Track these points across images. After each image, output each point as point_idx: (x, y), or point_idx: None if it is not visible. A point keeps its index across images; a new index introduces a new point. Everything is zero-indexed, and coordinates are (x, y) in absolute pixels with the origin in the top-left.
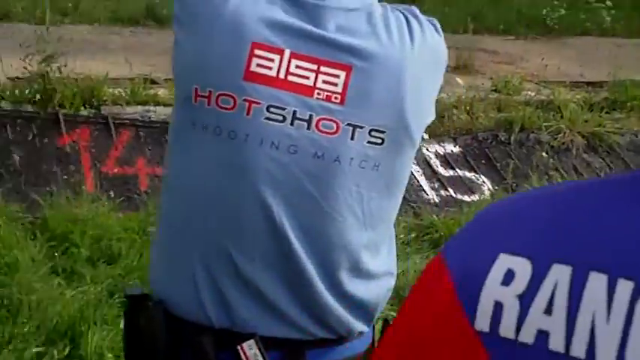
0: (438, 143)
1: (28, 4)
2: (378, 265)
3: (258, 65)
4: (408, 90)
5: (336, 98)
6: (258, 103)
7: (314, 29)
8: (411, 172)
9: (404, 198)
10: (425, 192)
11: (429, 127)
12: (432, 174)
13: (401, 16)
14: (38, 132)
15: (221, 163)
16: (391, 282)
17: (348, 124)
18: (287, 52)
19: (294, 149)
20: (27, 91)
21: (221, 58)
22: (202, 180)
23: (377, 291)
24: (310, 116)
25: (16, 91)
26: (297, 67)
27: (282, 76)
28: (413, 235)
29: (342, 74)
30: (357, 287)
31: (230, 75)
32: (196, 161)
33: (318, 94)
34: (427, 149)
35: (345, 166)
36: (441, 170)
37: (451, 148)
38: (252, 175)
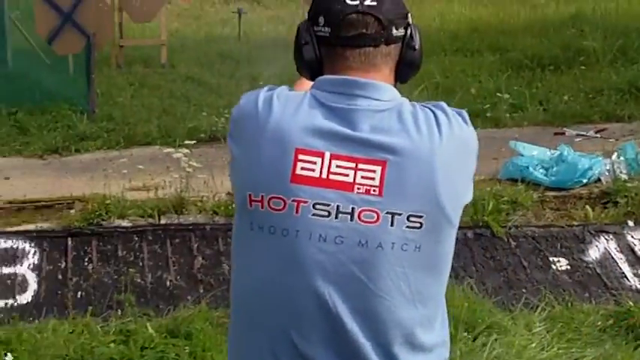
0: None
1: None
2: (431, 338)
3: (303, 168)
4: (440, 177)
5: (374, 191)
6: (305, 202)
7: (350, 131)
8: (614, 260)
9: (604, 286)
10: (627, 279)
11: (633, 213)
12: (635, 261)
13: (429, 112)
14: None
15: (276, 257)
16: (445, 353)
17: (387, 213)
18: (327, 155)
19: (340, 240)
20: None
21: (269, 165)
22: (261, 274)
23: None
24: (352, 209)
25: (230, 207)
26: (337, 166)
27: (324, 176)
28: (610, 322)
29: (378, 169)
30: None
31: (279, 180)
32: (255, 258)
33: (358, 188)
34: (632, 236)
35: (387, 251)
36: None
37: None
38: (304, 266)
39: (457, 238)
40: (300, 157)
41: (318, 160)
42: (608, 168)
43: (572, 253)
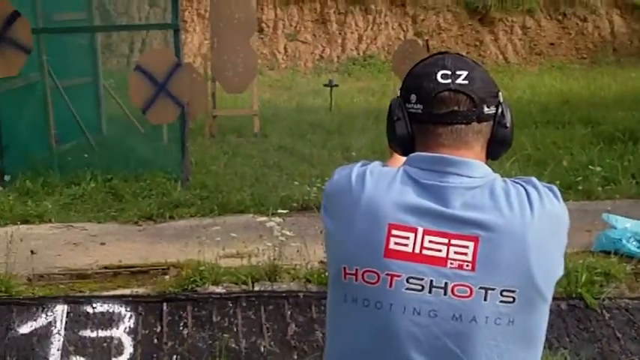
0: None
1: None
2: None
3: (396, 243)
4: (531, 253)
5: (467, 266)
6: (399, 276)
7: (442, 208)
8: None
9: None
10: None
11: None
12: None
13: (521, 188)
14: None
15: (370, 329)
16: None
17: (481, 288)
18: (420, 230)
19: (434, 313)
20: None
21: (363, 240)
22: (355, 345)
23: None
24: (446, 284)
25: (322, 274)
26: (430, 241)
27: (417, 251)
28: None
29: (471, 245)
30: None
31: (373, 254)
32: (349, 329)
33: (451, 263)
34: None
35: (481, 325)
36: None
37: None
38: (398, 338)
39: (551, 310)
40: (394, 232)
41: (411, 235)
42: None
43: None
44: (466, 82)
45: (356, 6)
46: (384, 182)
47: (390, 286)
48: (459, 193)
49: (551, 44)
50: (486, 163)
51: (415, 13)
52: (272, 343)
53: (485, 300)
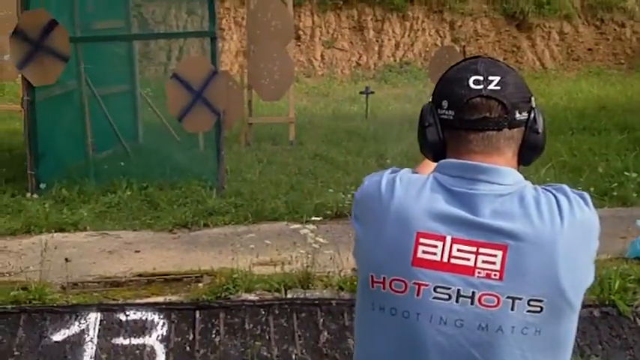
0: None
1: None
2: None
3: (424, 252)
4: (561, 263)
5: (495, 275)
6: (427, 285)
7: (471, 216)
8: None
9: None
10: None
11: None
12: None
13: (551, 196)
14: None
15: (397, 338)
16: None
17: (508, 297)
18: (448, 239)
19: (460, 323)
20: None
21: (391, 248)
22: (382, 353)
23: None
24: (473, 293)
25: (355, 282)
26: (459, 250)
27: (445, 259)
28: None
29: (499, 254)
30: None
31: (400, 262)
32: (376, 337)
33: (479, 272)
34: None
35: (507, 334)
36: None
37: None
38: (424, 347)
39: (583, 317)
40: (422, 240)
41: (440, 244)
42: None
43: None
44: (498, 87)
45: (393, 13)
46: (414, 190)
47: (418, 295)
48: (488, 201)
49: (589, 50)
50: (518, 169)
51: (452, 19)
52: (304, 350)
53: (512, 310)
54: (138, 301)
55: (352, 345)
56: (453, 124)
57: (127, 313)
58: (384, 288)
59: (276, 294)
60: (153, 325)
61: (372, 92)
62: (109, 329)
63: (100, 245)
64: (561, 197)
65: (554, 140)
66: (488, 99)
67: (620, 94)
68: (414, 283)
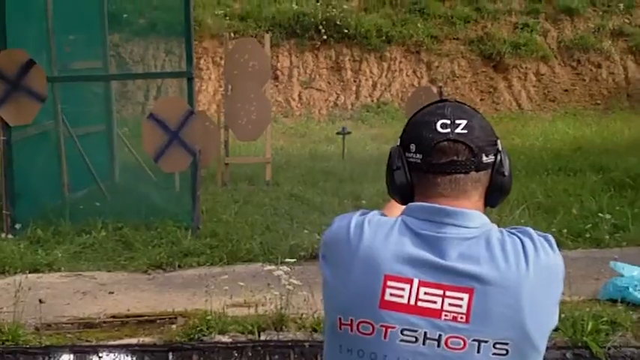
0: None
1: None
2: None
3: (391, 294)
4: (526, 306)
5: (461, 318)
6: (394, 328)
7: (438, 259)
8: None
9: None
10: None
11: None
12: None
13: (517, 239)
14: None
15: None
16: None
17: (474, 340)
18: (415, 281)
19: None
20: None
21: (359, 290)
22: None
23: None
24: (440, 335)
25: None
26: (426, 293)
27: (412, 302)
28: None
29: (466, 297)
30: None
31: (368, 305)
32: None
33: (446, 315)
34: None
35: None
36: None
37: None
38: None
39: (556, 359)
40: (389, 283)
41: (407, 286)
42: None
43: None
44: (465, 131)
45: (371, 53)
46: (382, 232)
47: (385, 337)
48: (455, 244)
49: (565, 91)
50: (484, 211)
51: (430, 60)
52: None
53: (478, 352)
54: (111, 342)
55: None
56: (420, 168)
57: (100, 354)
58: (351, 330)
59: (250, 336)
60: None
61: (349, 132)
62: None
63: (74, 286)
64: (526, 240)
65: (530, 181)
66: (455, 142)
67: (595, 134)
68: (381, 326)
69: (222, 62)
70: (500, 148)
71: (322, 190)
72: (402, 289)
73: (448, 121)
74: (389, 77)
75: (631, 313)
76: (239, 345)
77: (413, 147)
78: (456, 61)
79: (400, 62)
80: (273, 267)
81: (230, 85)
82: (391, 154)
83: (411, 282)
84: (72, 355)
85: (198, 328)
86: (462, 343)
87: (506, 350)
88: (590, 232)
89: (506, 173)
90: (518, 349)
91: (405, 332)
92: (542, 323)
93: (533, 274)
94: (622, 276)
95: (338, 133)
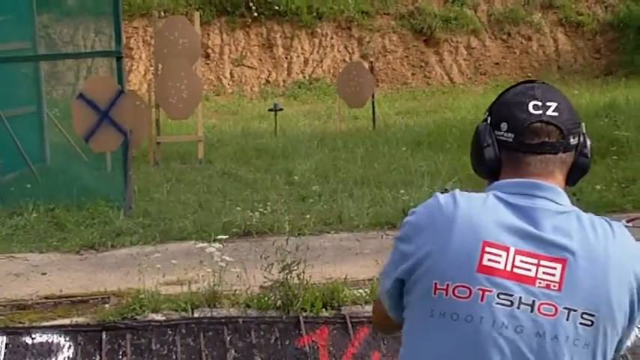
0: None
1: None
2: None
3: (489, 260)
4: (612, 279)
5: (554, 286)
6: (490, 291)
7: (533, 230)
8: None
9: None
10: None
11: None
12: None
13: (604, 220)
14: (280, 335)
15: (458, 341)
16: None
17: (565, 308)
18: (512, 249)
19: (520, 329)
20: (270, 298)
21: (457, 255)
22: (441, 356)
23: None
24: (533, 301)
25: (262, 300)
26: (521, 261)
27: (508, 268)
28: None
29: (559, 267)
30: None
31: (466, 269)
32: (434, 342)
33: (539, 283)
34: None
35: (562, 343)
36: None
37: None
38: (485, 348)
39: None
40: (487, 249)
41: (504, 253)
42: None
43: None
44: (556, 113)
45: (302, 30)
46: (476, 202)
47: (482, 300)
48: (549, 216)
49: (496, 64)
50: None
51: (361, 36)
52: None
53: (567, 320)
54: (44, 323)
55: None
56: (512, 146)
57: (33, 336)
58: (446, 295)
59: (183, 313)
60: (59, 348)
61: (281, 109)
62: (14, 352)
63: (7, 268)
64: (613, 223)
65: (462, 153)
66: (547, 124)
67: None
68: (479, 289)
69: (153, 41)
70: (583, 131)
71: (255, 167)
72: (499, 256)
73: (540, 103)
74: (320, 53)
75: None
76: (172, 323)
77: (504, 126)
78: (387, 36)
79: (331, 38)
80: (205, 244)
81: (160, 64)
82: (479, 132)
83: (507, 249)
84: (4, 337)
85: (132, 307)
86: (554, 310)
87: (592, 322)
88: None
89: (589, 155)
90: (603, 323)
91: (501, 296)
92: (624, 303)
93: (620, 252)
94: None
95: (270, 110)
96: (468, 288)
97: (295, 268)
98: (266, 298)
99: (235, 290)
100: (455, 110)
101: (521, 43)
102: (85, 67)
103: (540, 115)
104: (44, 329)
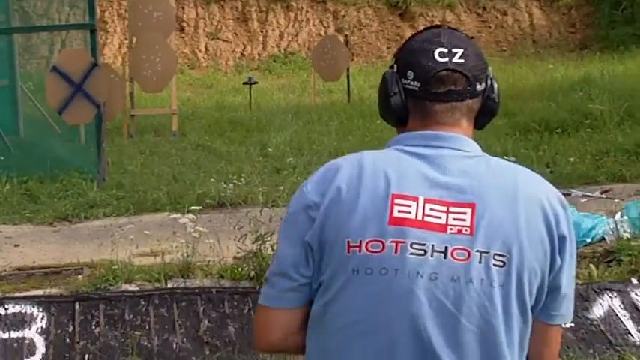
0: None
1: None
2: None
3: (400, 211)
4: (522, 216)
5: (466, 231)
6: (403, 242)
7: (441, 177)
8: (618, 317)
9: (608, 342)
10: (631, 335)
11: (636, 271)
12: (639, 317)
13: (512, 163)
14: (253, 305)
15: (373, 295)
16: None
17: (477, 251)
18: (421, 199)
19: (434, 276)
20: (244, 269)
21: (367, 211)
22: (357, 312)
23: None
24: (446, 248)
25: (235, 270)
26: (431, 209)
27: (419, 218)
28: None
29: (469, 211)
30: None
31: (377, 223)
32: (350, 299)
33: (451, 229)
34: (636, 293)
35: (477, 286)
36: None
37: None
38: (401, 301)
39: None
40: (397, 201)
41: (413, 204)
42: (612, 227)
43: (576, 311)
44: (462, 60)
45: (277, 3)
46: (381, 158)
47: (396, 252)
48: (455, 162)
49: (471, 38)
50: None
51: (336, 9)
52: (184, 339)
53: (480, 262)
54: (17, 294)
55: (233, 332)
56: (418, 95)
57: (7, 306)
58: (360, 251)
59: (157, 284)
60: (32, 318)
61: (256, 82)
62: None
63: None
64: (521, 167)
65: None
66: (453, 72)
67: (501, 80)
68: (392, 242)
69: (127, 15)
70: (490, 75)
71: (229, 140)
72: (409, 206)
73: (446, 50)
74: (295, 27)
75: None
76: (146, 293)
77: (411, 74)
78: (362, 10)
79: (307, 12)
80: (179, 215)
81: (135, 38)
82: (386, 79)
83: (417, 199)
84: None
85: (105, 278)
86: (467, 254)
87: (503, 262)
88: None
89: (497, 99)
90: (516, 263)
91: (414, 246)
92: (540, 239)
93: (528, 187)
94: None
95: (245, 84)
96: (381, 241)
97: (269, 238)
98: (239, 269)
99: (209, 261)
100: None
101: (497, 17)
102: (60, 41)
103: (446, 62)
104: (17, 300)
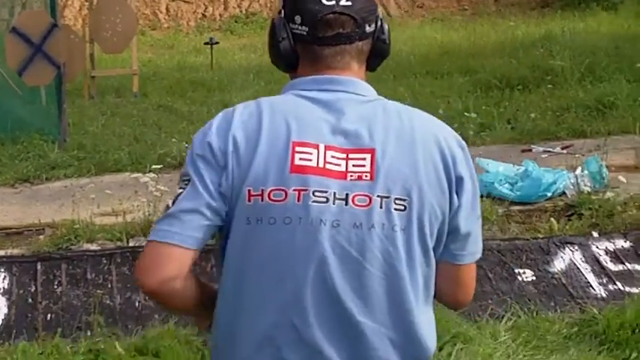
0: (608, 240)
1: None
2: (425, 318)
3: (301, 159)
4: (420, 157)
5: (366, 176)
6: (306, 190)
7: (340, 123)
8: (579, 270)
9: (570, 295)
10: (592, 288)
11: (597, 225)
12: (600, 270)
13: (409, 107)
14: (215, 262)
15: (277, 244)
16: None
17: (378, 196)
18: (322, 146)
19: (337, 223)
20: None
21: (268, 160)
22: (261, 262)
23: (428, 337)
24: (347, 194)
25: None
26: (332, 156)
27: (321, 165)
28: (575, 329)
29: (368, 157)
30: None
31: (278, 172)
32: (254, 249)
33: (351, 176)
34: (597, 247)
35: (379, 231)
36: (610, 266)
37: (621, 243)
38: (306, 249)
39: None
40: (298, 149)
41: (314, 151)
42: (572, 182)
43: (538, 265)
44: (349, 3)
45: None
46: (279, 105)
47: (298, 200)
48: (353, 107)
49: None
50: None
51: None
52: (146, 297)
53: (381, 208)
54: None
55: None
56: (306, 40)
57: None
58: (262, 200)
59: (118, 243)
60: None
61: (217, 42)
62: None
63: None
64: (418, 109)
65: (398, 84)
66: (340, 15)
67: (463, 39)
68: (294, 190)
69: None
70: (379, 16)
71: (191, 100)
72: (310, 154)
73: None
74: None
75: (496, 207)
76: (107, 252)
77: (298, 19)
78: None
79: None
80: (140, 175)
81: None
82: (274, 25)
83: (317, 147)
84: None
85: (66, 238)
86: (368, 200)
87: (404, 206)
88: (457, 131)
89: (387, 40)
90: (417, 206)
91: (317, 194)
92: (439, 180)
93: (424, 126)
94: (488, 172)
95: (206, 44)
96: (283, 190)
97: None
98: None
99: None
100: (391, 42)
101: None
102: (20, 3)
103: (333, 6)
104: None
